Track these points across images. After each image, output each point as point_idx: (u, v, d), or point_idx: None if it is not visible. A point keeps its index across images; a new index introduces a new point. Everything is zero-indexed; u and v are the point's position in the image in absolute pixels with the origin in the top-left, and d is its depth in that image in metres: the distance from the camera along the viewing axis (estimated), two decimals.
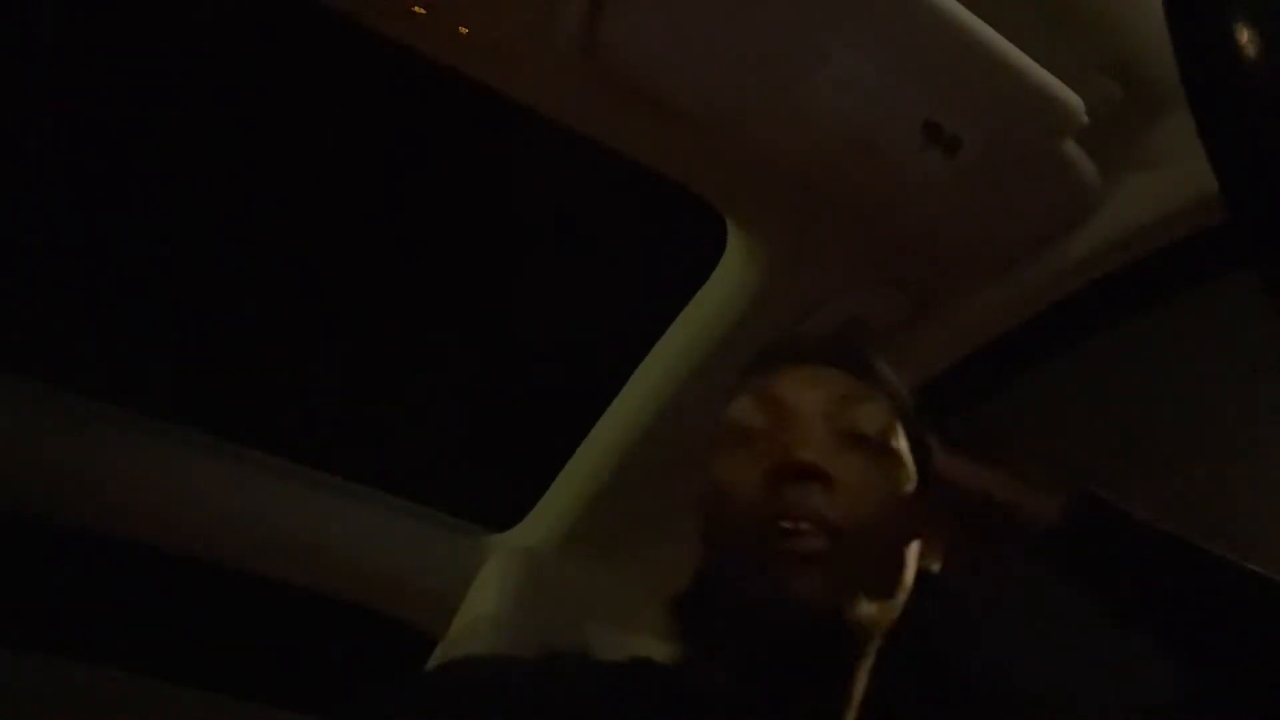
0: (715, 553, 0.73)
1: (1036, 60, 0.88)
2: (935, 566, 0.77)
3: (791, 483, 0.69)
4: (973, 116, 0.89)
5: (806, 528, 0.68)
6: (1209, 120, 0.46)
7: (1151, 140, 0.95)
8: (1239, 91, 0.45)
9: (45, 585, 1.27)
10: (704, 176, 0.98)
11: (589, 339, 1.22)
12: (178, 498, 1.19)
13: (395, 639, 1.29)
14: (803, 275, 1.06)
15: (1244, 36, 0.43)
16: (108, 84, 1.03)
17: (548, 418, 1.29)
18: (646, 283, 1.18)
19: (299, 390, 1.26)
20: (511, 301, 1.23)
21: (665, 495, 1.19)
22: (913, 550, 0.74)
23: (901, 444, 0.76)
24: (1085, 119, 0.90)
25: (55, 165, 1.08)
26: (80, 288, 1.18)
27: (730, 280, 1.09)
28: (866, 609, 0.69)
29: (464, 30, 0.84)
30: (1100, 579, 0.72)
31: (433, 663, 1.20)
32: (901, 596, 0.73)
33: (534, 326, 1.23)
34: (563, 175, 1.07)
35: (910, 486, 0.75)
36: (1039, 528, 0.73)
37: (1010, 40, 0.86)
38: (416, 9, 0.82)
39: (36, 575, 1.24)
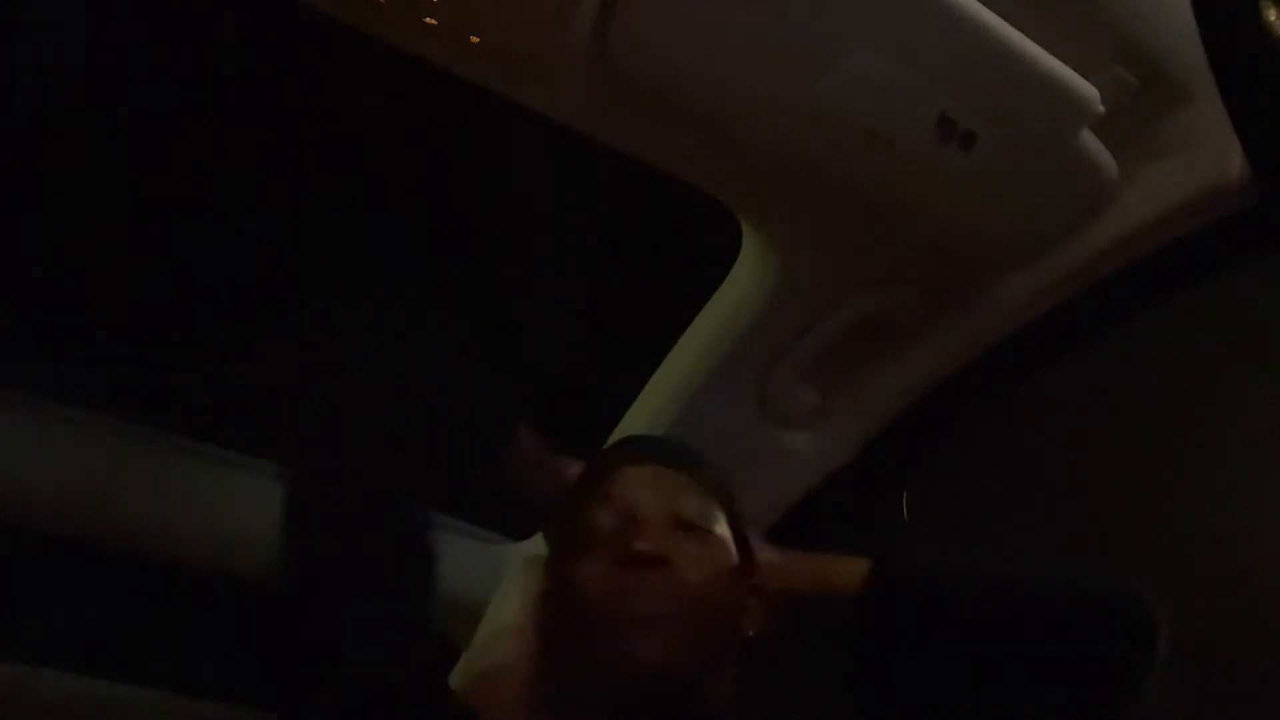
0: (566, 638, 0.84)
1: (1051, 52, 0.87)
2: (755, 631, 0.89)
3: (635, 570, 0.81)
4: (988, 110, 0.88)
5: (649, 597, 0.80)
6: (1239, 101, 0.46)
7: (1168, 129, 0.95)
8: (1269, 71, 0.45)
9: (67, 600, 1.28)
10: (718, 178, 0.98)
11: (607, 343, 1.22)
12: (196, 511, 1.20)
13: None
14: (819, 274, 1.06)
15: (1273, 15, 0.42)
16: (136, 92, 1.04)
17: (565, 425, 1.28)
18: (663, 286, 1.18)
19: (314, 400, 1.25)
20: (528, 308, 1.23)
21: None
22: (742, 618, 0.87)
23: (724, 528, 0.89)
24: (1101, 110, 0.90)
25: (62, 174, 1.09)
26: (88, 296, 1.18)
27: (746, 281, 1.09)
28: (702, 671, 0.81)
29: (475, 40, 0.85)
30: (903, 638, 0.87)
31: (459, 670, 1.20)
32: (731, 659, 0.85)
33: (551, 332, 1.23)
34: (578, 181, 1.08)
35: (733, 565, 0.87)
36: (847, 598, 0.88)
37: (1024, 32, 0.86)
38: (428, 20, 0.83)
39: (64, 590, 1.25)
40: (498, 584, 1.27)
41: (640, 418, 1.19)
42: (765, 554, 0.93)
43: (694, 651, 0.80)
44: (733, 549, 0.88)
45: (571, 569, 0.85)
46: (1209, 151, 0.91)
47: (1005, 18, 0.85)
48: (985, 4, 0.84)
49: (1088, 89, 0.89)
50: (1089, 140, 0.93)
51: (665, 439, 1.08)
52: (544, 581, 0.90)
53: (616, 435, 1.22)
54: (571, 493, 0.92)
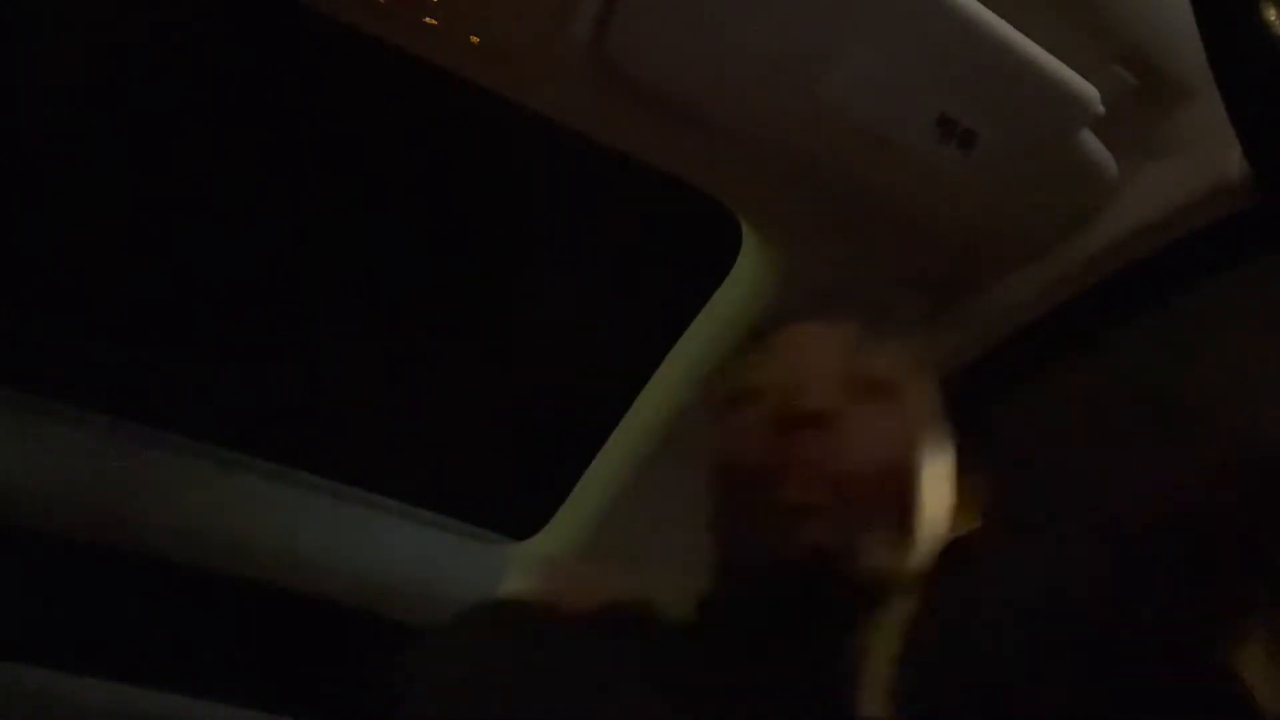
0: (720, 512, 0.70)
1: (1051, 52, 0.87)
2: (968, 528, 0.74)
3: (795, 433, 0.66)
4: (988, 110, 0.88)
5: (809, 478, 0.65)
6: (1239, 101, 0.46)
7: (1168, 129, 0.95)
8: (1270, 71, 0.45)
9: (67, 600, 1.28)
10: (717, 178, 0.99)
11: (606, 344, 1.22)
12: (198, 512, 1.20)
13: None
14: (819, 274, 1.06)
15: (1273, 15, 0.42)
16: (136, 92, 1.04)
17: (566, 425, 1.28)
18: (662, 286, 1.18)
19: (318, 403, 1.26)
20: (528, 309, 1.23)
21: (685, 499, 1.19)
22: (936, 506, 0.70)
23: (919, 399, 0.72)
24: (1101, 110, 0.90)
25: (62, 174, 1.09)
26: (95, 302, 1.18)
27: (746, 281, 1.09)
28: (876, 561, 0.65)
29: (475, 40, 0.85)
30: None
31: None
32: (917, 552, 0.68)
33: (550, 333, 1.23)
34: (577, 181, 1.08)
35: (928, 443, 0.71)
36: None
37: (1024, 32, 0.86)
38: (428, 20, 0.83)
39: (65, 593, 1.25)
40: (498, 584, 1.27)
41: (640, 419, 1.19)
42: None
43: (867, 539, 0.65)
44: (932, 423, 0.72)
45: (723, 431, 0.71)
46: (1209, 151, 0.91)
47: (1005, 18, 0.85)
48: (985, 4, 0.84)
49: (1088, 89, 0.89)
50: (1089, 140, 0.93)
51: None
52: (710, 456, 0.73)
53: (616, 437, 1.22)
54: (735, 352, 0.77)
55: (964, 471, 0.73)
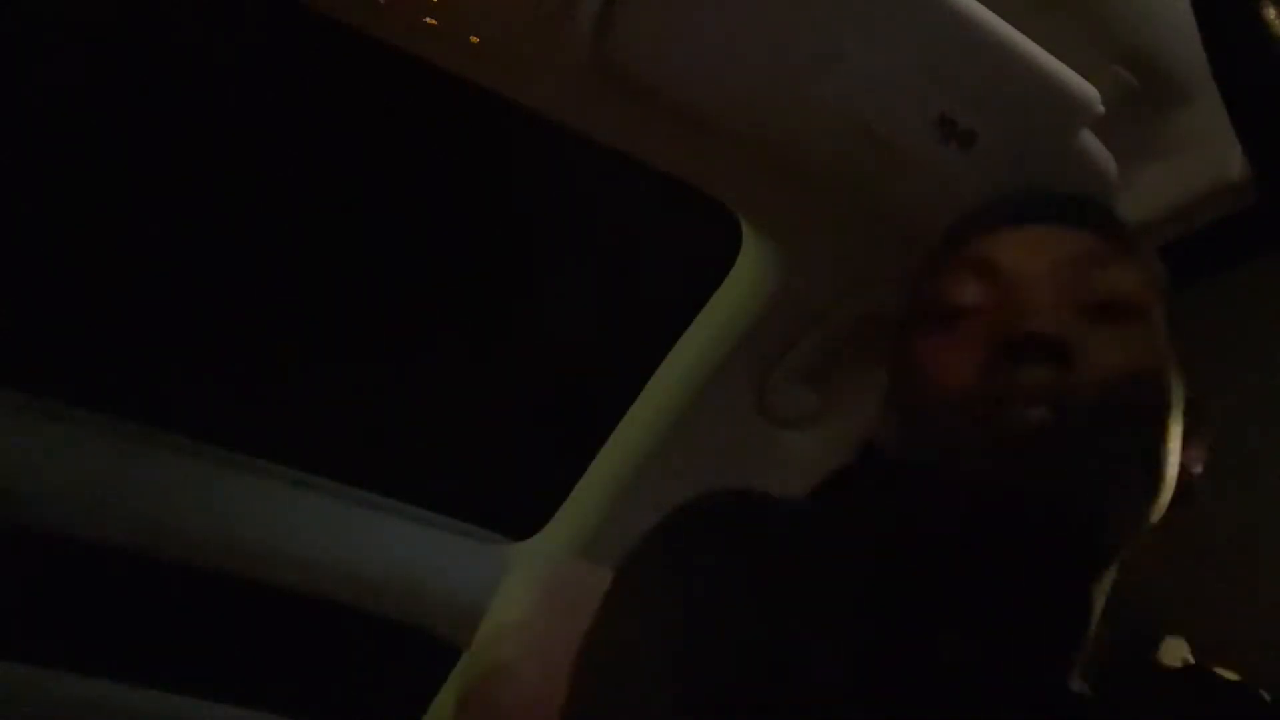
0: (920, 441, 0.60)
1: (1050, 52, 0.87)
2: (1197, 469, 0.64)
3: (1021, 360, 0.56)
4: (988, 110, 0.88)
5: (1040, 408, 0.55)
6: (1239, 101, 0.46)
7: (1168, 130, 0.95)
8: (1270, 71, 0.45)
9: (66, 600, 1.28)
10: (717, 178, 0.99)
11: (606, 344, 1.22)
12: (196, 511, 1.20)
13: (419, 649, 1.29)
14: (819, 274, 1.06)
15: (1273, 15, 0.42)
16: (137, 92, 1.04)
17: (566, 424, 1.28)
18: (662, 286, 1.18)
19: (315, 401, 1.26)
20: (527, 308, 1.23)
21: (685, 499, 1.19)
22: (1174, 445, 0.60)
23: (1160, 320, 0.63)
24: (1101, 110, 0.90)
25: (62, 174, 1.09)
26: (95, 302, 1.18)
27: (746, 281, 1.09)
28: (1114, 507, 0.57)
29: (475, 40, 0.85)
30: None
31: (457, 672, 1.20)
32: (1160, 502, 0.59)
33: (550, 333, 1.23)
34: (577, 181, 1.08)
35: (1171, 370, 0.62)
36: None
37: (1024, 32, 0.86)
38: (428, 20, 0.83)
39: (64, 593, 1.25)
40: (498, 584, 1.27)
41: (640, 418, 1.19)
42: None
43: (1098, 479, 0.56)
44: (1171, 348, 0.63)
45: (920, 357, 0.61)
46: (1209, 151, 0.91)
47: (1005, 18, 0.85)
48: (985, 4, 0.84)
49: (1088, 90, 0.89)
50: (1089, 140, 0.93)
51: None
52: (889, 368, 0.64)
53: (616, 436, 1.22)
54: (928, 260, 0.66)
55: (1195, 403, 0.64)
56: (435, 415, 1.30)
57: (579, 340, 1.25)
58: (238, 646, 1.33)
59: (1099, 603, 0.60)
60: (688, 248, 1.15)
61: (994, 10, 0.85)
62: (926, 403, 0.60)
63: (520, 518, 1.33)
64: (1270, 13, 0.42)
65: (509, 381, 1.29)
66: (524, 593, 1.21)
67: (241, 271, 1.18)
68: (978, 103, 0.88)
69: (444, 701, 1.28)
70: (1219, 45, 0.48)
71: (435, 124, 1.07)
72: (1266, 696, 0.63)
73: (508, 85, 0.89)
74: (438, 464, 1.31)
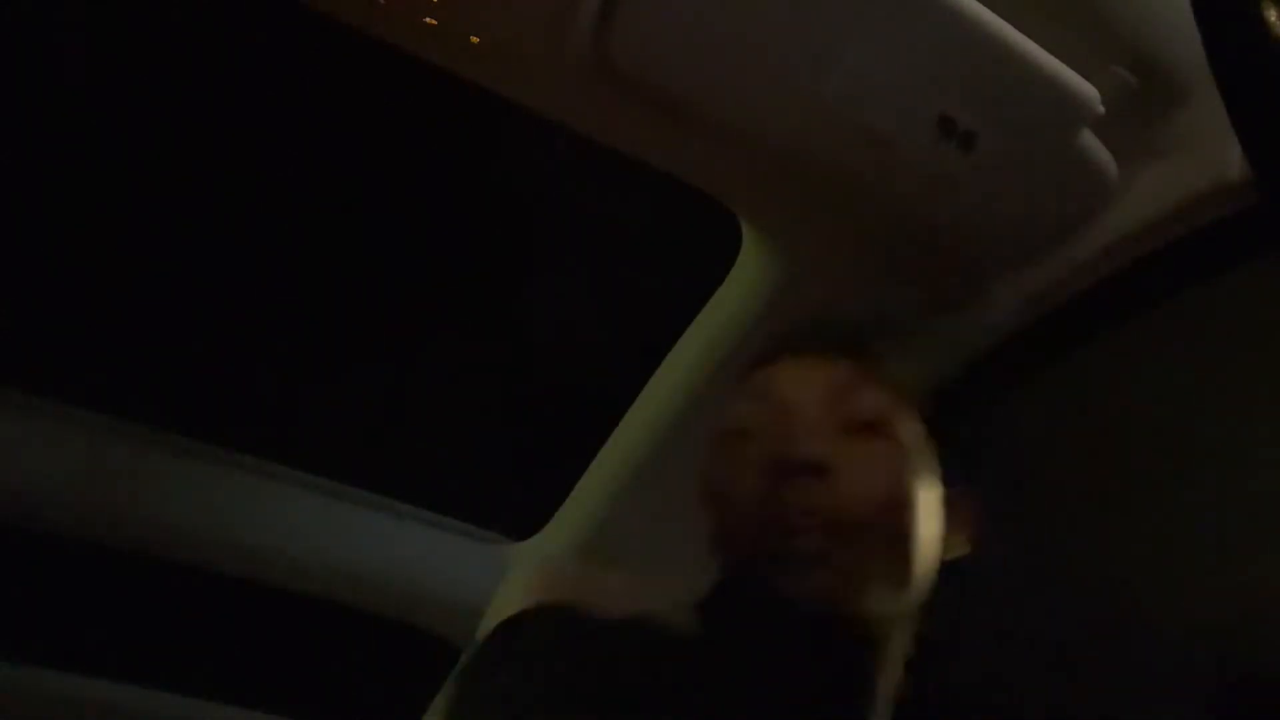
0: (722, 555, 0.72)
1: (1051, 52, 0.87)
2: (959, 553, 0.75)
3: (790, 480, 0.67)
4: (988, 110, 0.88)
5: (808, 526, 0.66)
6: (1239, 101, 0.46)
7: (1168, 129, 0.95)
8: (1270, 71, 0.45)
9: (67, 600, 1.28)
10: (717, 178, 0.99)
11: (606, 345, 1.22)
12: (197, 511, 1.20)
13: (420, 649, 1.29)
14: (819, 274, 1.06)
15: (1273, 15, 0.42)
16: (137, 91, 1.04)
17: (566, 425, 1.28)
18: (662, 287, 1.18)
19: (315, 401, 1.26)
20: (527, 309, 1.23)
21: (685, 499, 1.19)
22: (931, 537, 0.71)
23: (909, 429, 0.73)
24: (1101, 110, 0.90)
25: (62, 174, 1.09)
26: (95, 302, 1.18)
27: (746, 282, 1.09)
28: (879, 602, 0.67)
29: (475, 40, 0.85)
30: None
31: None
32: (918, 585, 0.70)
33: (550, 333, 1.23)
34: (577, 181, 1.08)
35: (922, 474, 0.72)
36: None
37: (1024, 32, 0.86)
38: (428, 20, 0.83)
39: (64, 593, 1.25)
40: (498, 584, 1.27)
41: (640, 418, 1.19)
42: None
43: (864, 583, 0.66)
44: (922, 450, 0.73)
45: (714, 475, 0.72)
46: (1209, 151, 0.91)
47: (1005, 18, 0.85)
48: (985, 4, 0.84)
49: (1088, 89, 0.89)
50: (1089, 140, 0.93)
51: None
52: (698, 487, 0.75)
53: (616, 436, 1.22)
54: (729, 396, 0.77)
55: (954, 494, 0.76)
56: (435, 415, 1.30)
57: (579, 340, 1.25)
58: (238, 646, 1.33)
59: (888, 670, 0.70)
60: (688, 248, 1.15)
61: (994, 10, 0.85)
62: (720, 524, 0.71)
63: (520, 518, 1.33)
64: (1270, 13, 0.42)
65: (509, 382, 1.29)
66: (523, 593, 1.21)
67: (242, 272, 1.18)
68: (978, 103, 0.88)
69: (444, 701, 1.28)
70: (1219, 45, 0.48)
71: (435, 124, 1.07)
72: None
73: (508, 85, 0.89)
74: (438, 464, 1.31)
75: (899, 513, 0.69)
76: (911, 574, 0.69)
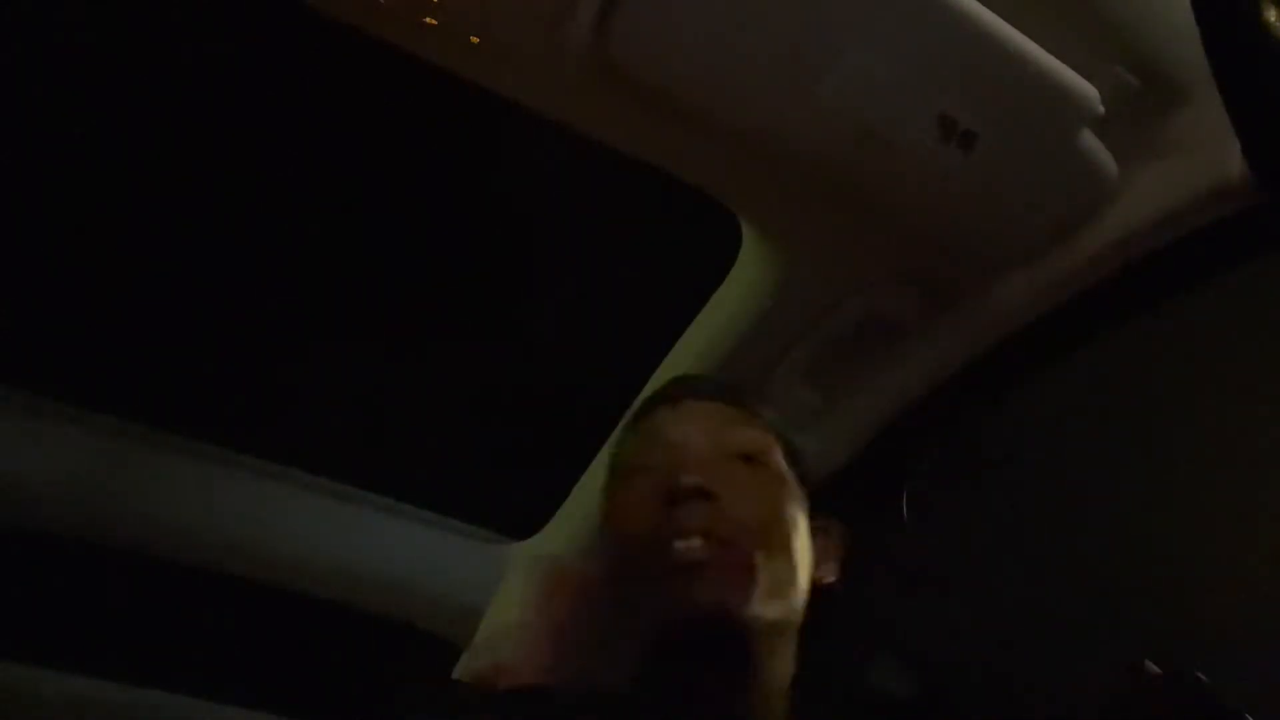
0: (617, 576, 0.80)
1: (1051, 52, 0.87)
2: (830, 579, 0.84)
3: (680, 504, 0.75)
4: (988, 110, 0.88)
5: (696, 541, 0.74)
6: (1239, 101, 0.46)
7: (1168, 129, 0.95)
8: (1270, 71, 0.45)
9: (67, 600, 1.28)
10: (717, 178, 0.99)
11: (606, 344, 1.22)
12: (197, 511, 1.20)
13: (420, 649, 1.29)
14: (818, 274, 1.06)
15: (1273, 15, 0.42)
16: (137, 91, 1.04)
17: (566, 425, 1.28)
18: (662, 286, 1.18)
19: (315, 401, 1.26)
20: (527, 308, 1.23)
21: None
22: (804, 560, 0.80)
23: (781, 462, 0.83)
24: (1101, 110, 0.90)
25: (62, 174, 1.09)
26: (95, 302, 1.18)
27: (746, 281, 1.09)
28: (761, 610, 0.75)
29: (475, 40, 0.85)
30: None
31: (459, 670, 1.20)
32: (796, 601, 0.78)
33: (550, 333, 1.23)
34: (578, 181, 1.08)
35: (794, 501, 0.82)
36: None
37: (1024, 32, 0.86)
38: (428, 20, 0.83)
39: (64, 593, 1.25)
40: (498, 584, 1.28)
41: None
42: None
43: (749, 594, 0.74)
44: (793, 483, 0.83)
45: (613, 507, 0.81)
46: (1209, 151, 0.91)
47: (1005, 18, 0.85)
48: (985, 4, 0.84)
49: (1088, 89, 0.89)
50: (1089, 140, 0.93)
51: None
52: (599, 522, 0.85)
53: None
54: (619, 434, 0.88)
55: (824, 523, 0.85)
56: (435, 415, 1.30)
57: (579, 340, 1.25)
58: (238, 646, 1.33)
59: (777, 672, 0.78)
60: (688, 248, 1.15)
61: (994, 10, 0.85)
62: (619, 545, 0.80)
63: (520, 518, 1.33)
64: (1270, 13, 0.42)
65: (509, 382, 1.29)
66: (523, 592, 1.21)
67: (242, 272, 1.18)
68: (978, 103, 0.88)
69: None
70: (1219, 45, 0.48)
71: (435, 124, 1.07)
72: None
73: (508, 85, 0.89)
74: (438, 464, 1.31)
75: (774, 530, 0.78)
76: (788, 588, 0.78)
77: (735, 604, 0.73)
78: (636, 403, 0.91)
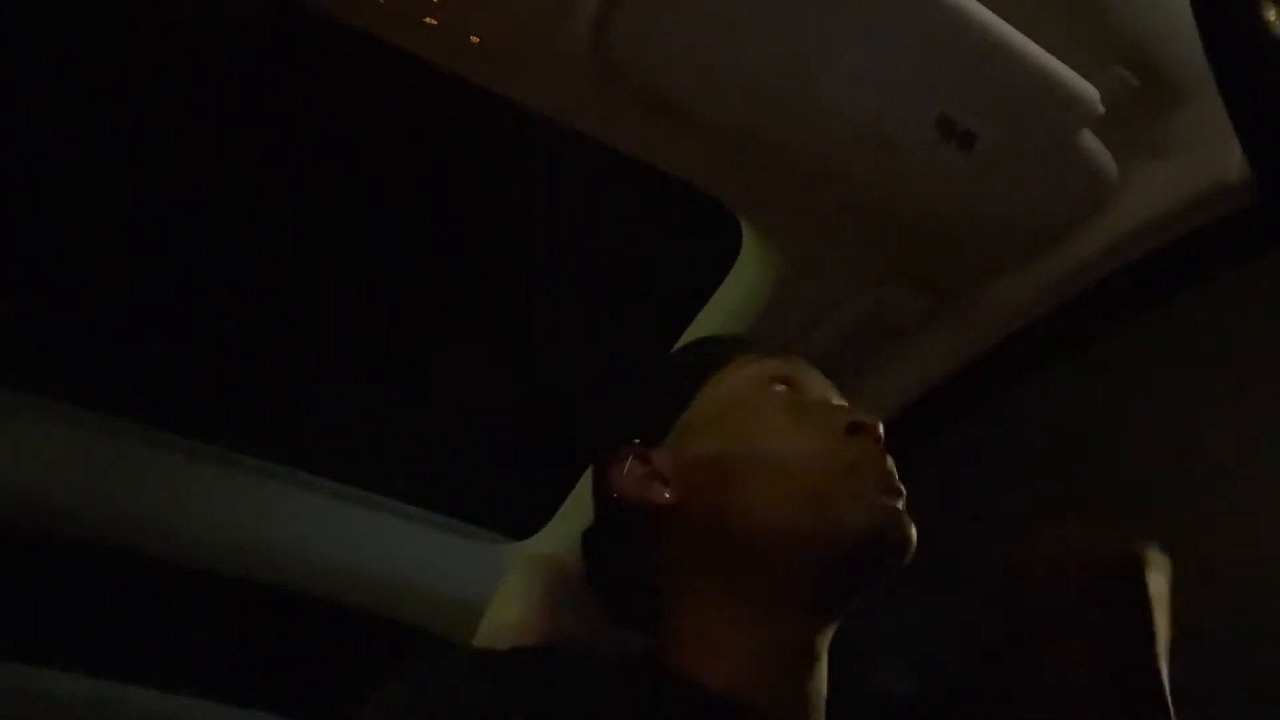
0: (767, 523, 0.73)
1: (1050, 52, 0.87)
2: None
3: (867, 440, 0.74)
4: (988, 110, 0.88)
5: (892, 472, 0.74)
6: (1239, 101, 0.46)
7: (1168, 129, 0.95)
8: (1270, 71, 0.45)
9: (67, 600, 1.28)
10: (717, 178, 0.98)
11: (606, 344, 1.22)
12: (197, 511, 1.20)
13: (419, 649, 1.29)
14: (818, 274, 1.06)
15: (1273, 15, 0.42)
16: (137, 91, 1.04)
17: (566, 425, 1.28)
18: (662, 286, 1.18)
19: (316, 402, 1.26)
20: (527, 309, 1.23)
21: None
22: None
23: None
24: (1101, 110, 0.90)
25: (62, 174, 1.09)
26: (95, 302, 1.18)
27: (746, 282, 1.09)
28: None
29: (475, 40, 0.84)
30: None
31: None
32: None
33: (550, 333, 1.23)
34: (578, 182, 1.08)
35: None
36: None
37: (1024, 32, 0.86)
38: (428, 20, 0.83)
39: (64, 593, 1.25)
40: (498, 584, 1.27)
41: None
42: None
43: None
44: None
45: (782, 435, 0.74)
46: (1209, 151, 0.91)
47: (1005, 18, 0.85)
48: (985, 4, 0.84)
49: (1088, 89, 0.89)
50: (1089, 140, 0.93)
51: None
52: (704, 471, 0.76)
53: None
54: (702, 371, 0.81)
55: None
56: (436, 416, 1.30)
57: (579, 340, 1.25)
58: (238, 646, 1.33)
59: None
60: (688, 248, 1.15)
61: (994, 10, 0.85)
62: (797, 485, 0.76)
63: (520, 518, 1.33)
64: (1270, 13, 0.42)
65: (509, 382, 1.29)
66: (523, 592, 1.21)
67: (242, 272, 1.18)
68: (978, 103, 0.88)
69: None
70: (1219, 45, 0.48)
71: (435, 124, 1.07)
72: None
73: (507, 85, 0.89)
74: (438, 464, 1.31)
75: None
76: None
77: (911, 532, 0.72)
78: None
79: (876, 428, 0.75)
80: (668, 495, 0.76)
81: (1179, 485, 1.49)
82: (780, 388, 0.78)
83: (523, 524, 1.33)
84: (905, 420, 1.17)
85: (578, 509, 1.28)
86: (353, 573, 1.26)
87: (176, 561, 1.19)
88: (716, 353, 0.83)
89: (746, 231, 1.06)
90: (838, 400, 0.81)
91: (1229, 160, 0.88)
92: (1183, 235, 0.96)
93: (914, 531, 0.72)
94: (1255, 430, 1.44)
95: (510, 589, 1.24)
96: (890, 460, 0.75)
